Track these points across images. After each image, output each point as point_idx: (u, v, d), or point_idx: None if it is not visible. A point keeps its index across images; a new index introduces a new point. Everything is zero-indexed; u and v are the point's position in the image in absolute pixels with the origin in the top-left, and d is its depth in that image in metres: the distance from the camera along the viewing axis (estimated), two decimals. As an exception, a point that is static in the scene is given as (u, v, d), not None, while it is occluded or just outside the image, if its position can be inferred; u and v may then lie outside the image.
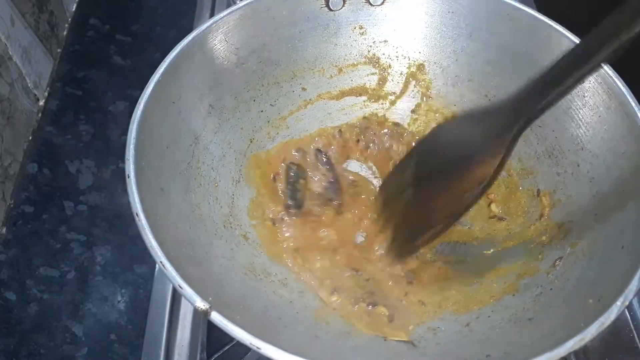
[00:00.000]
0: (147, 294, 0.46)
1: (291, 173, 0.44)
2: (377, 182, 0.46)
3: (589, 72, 0.28)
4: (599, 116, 0.37)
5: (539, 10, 0.42)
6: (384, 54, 0.46)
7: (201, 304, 0.28)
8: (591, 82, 0.38)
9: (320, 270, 0.40)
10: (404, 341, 0.35)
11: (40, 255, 0.48)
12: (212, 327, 0.43)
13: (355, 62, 0.46)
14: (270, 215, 0.42)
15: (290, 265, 0.40)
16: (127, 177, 0.31)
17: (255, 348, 0.27)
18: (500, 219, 0.42)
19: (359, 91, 0.47)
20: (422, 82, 0.46)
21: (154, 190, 0.33)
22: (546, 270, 0.36)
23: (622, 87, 0.36)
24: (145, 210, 0.30)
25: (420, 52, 0.45)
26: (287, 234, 0.42)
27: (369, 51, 0.46)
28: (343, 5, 0.43)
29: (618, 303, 0.28)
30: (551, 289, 0.34)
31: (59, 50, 0.62)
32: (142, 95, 0.34)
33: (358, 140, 0.47)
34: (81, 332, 0.44)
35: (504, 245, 0.41)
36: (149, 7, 0.67)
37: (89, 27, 0.64)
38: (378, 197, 0.45)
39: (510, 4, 0.41)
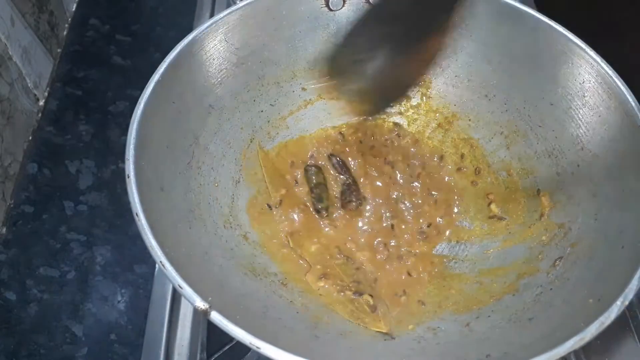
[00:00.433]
0: (147, 294, 0.46)
1: (312, 177, 0.44)
2: (377, 183, 0.46)
3: None
4: (599, 116, 0.37)
5: (539, 10, 0.42)
6: (384, 54, 0.46)
7: (201, 304, 0.28)
8: (591, 82, 0.38)
9: (312, 255, 0.40)
10: (383, 332, 0.35)
11: (40, 255, 0.48)
12: (212, 327, 0.43)
13: (355, 62, 0.46)
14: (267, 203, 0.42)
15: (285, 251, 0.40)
16: (127, 177, 0.31)
17: (255, 348, 0.27)
18: (500, 218, 0.42)
19: (359, 91, 0.47)
20: (422, 82, 0.46)
21: (154, 190, 0.33)
22: (546, 270, 0.36)
23: (622, 87, 0.36)
24: (145, 210, 0.30)
25: (420, 52, 0.45)
26: (282, 218, 0.42)
27: (369, 51, 0.46)
28: (343, 5, 0.43)
29: (618, 303, 0.28)
30: (551, 288, 0.34)
31: (59, 50, 0.62)
32: (142, 95, 0.35)
33: (361, 142, 0.47)
34: (81, 332, 0.44)
35: (504, 245, 0.41)
36: (149, 7, 0.67)
37: (89, 27, 0.64)
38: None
39: (510, 4, 0.41)
